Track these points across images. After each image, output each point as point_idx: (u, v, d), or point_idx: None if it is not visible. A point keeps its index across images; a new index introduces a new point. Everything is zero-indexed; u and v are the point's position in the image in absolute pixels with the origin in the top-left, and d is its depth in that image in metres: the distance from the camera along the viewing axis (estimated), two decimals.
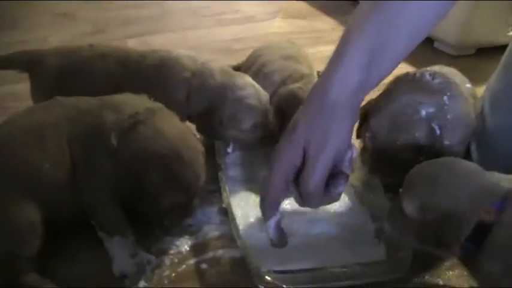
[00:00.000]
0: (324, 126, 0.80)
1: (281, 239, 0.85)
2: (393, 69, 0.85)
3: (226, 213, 0.97)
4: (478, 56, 1.69)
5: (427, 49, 1.73)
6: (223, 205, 0.99)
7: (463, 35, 1.68)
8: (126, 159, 0.90)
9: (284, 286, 0.81)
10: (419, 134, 0.96)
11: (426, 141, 0.97)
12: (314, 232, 0.95)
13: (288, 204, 0.99)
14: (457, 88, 1.01)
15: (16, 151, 0.88)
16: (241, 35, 1.85)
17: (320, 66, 1.41)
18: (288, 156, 0.81)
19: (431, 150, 0.95)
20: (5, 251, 0.84)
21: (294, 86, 1.13)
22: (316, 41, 1.79)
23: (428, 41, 1.76)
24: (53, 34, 1.85)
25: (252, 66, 1.25)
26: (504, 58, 1.07)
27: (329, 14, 2.05)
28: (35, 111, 0.96)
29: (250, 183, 1.06)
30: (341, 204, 1.00)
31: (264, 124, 1.08)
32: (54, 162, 0.89)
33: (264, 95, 1.09)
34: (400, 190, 0.83)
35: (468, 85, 1.08)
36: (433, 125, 0.96)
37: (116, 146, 0.90)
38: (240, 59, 1.43)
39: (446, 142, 0.97)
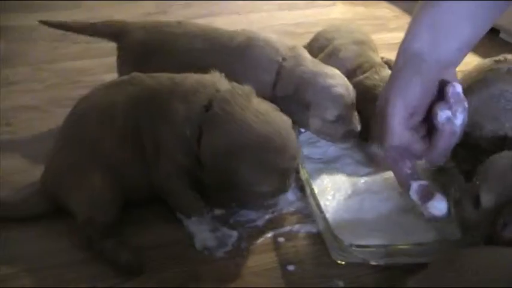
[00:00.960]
0: (388, 89, 0.83)
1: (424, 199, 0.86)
2: (463, 48, 0.84)
3: (302, 190, 0.99)
4: None
5: (493, 39, 1.71)
6: (300, 182, 0.99)
7: None
8: (208, 155, 0.88)
9: (370, 260, 0.85)
10: (509, 125, 0.96)
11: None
12: (387, 209, 0.96)
13: (363, 183, 1.01)
14: None
15: (91, 127, 0.91)
16: (302, 20, 1.85)
17: (383, 53, 1.42)
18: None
19: None
20: (85, 216, 0.88)
21: (360, 78, 1.13)
22: (379, 27, 1.78)
23: (494, 32, 1.73)
24: (117, 13, 1.88)
25: (323, 48, 1.25)
26: None
27: (392, 2, 2.04)
28: (109, 88, 0.96)
29: (324, 162, 1.07)
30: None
31: (349, 119, 1.06)
32: (123, 140, 0.90)
33: (353, 89, 1.08)
34: (475, 178, 0.83)
35: None
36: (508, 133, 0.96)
37: (190, 139, 0.89)
38: (302, 42, 1.44)
39: None
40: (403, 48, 0.84)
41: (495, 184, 0.80)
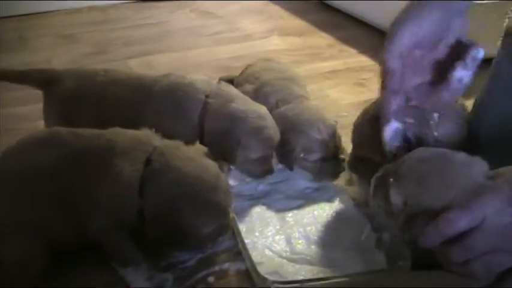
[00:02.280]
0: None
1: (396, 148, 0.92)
2: None
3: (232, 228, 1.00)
4: None
5: None
6: None
7: None
8: (150, 207, 0.91)
9: None
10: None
11: (397, 148, 1.00)
12: (315, 242, 0.99)
13: (291, 217, 1.04)
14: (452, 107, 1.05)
15: (12, 193, 0.92)
16: (239, 53, 1.89)
17: (318, 83, 1.47)
18: None
19: None
20: (11, 274, 0.89)
21: (283, 109, 1.18)
22: (313, 57, 1.82)
23: None
24: (57, 55, 1.90)
25: (251, 84, 1.30)
26: (490, 71, 1.11)
27: (325, 31, 2.09)
28: (28, 149, 0.95)
29: (253, 198, 1.10)
30: (341, 216, 1.05)
31: (270, 160, 1.10)
32: (49, 203, 0.91)
33: (278, 131, 1.11)
34: (391, 179, 0.85)
35: (460, 103, 1.11)
36: (408, 134, 0.98)
37: (134, 194, 0.91)
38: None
39: None
40: None
41: (406, 186, 0.82)
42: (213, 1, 2.43)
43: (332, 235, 1.00)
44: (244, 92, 1.21)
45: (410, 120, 0.98)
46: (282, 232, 1.00)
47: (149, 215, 0.91)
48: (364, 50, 1.84)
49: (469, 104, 1.14)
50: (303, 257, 0.95)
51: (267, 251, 0.96)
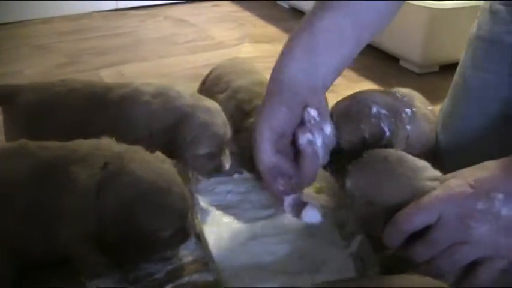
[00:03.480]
0: (257, 116, 0.92)
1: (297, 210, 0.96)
2: (340, 67, 0.94)
3: (199, 239, 1.00)
4: (441, 73, 1.74)
5: (393, 67, 1.79)
6: (197, 231, 1.01)
7: (425, 53, 1.73)
8: (109, 214, 0.90)
9: None
10: (364, 127, 1.01)
11: (371, 137, 1.01)
12: (284, 252, 0.98)
13: (260, 227, 1.04)
14: (422, 108, 1.07)
15: None
16: (212, 61, 1.88)
17: None
18: None
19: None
20: None
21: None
22: None
23: (394, 60, 1.81)
24: (29, 66, 1.89)
25: (222, 90, 1.28)
26: (455, 76, 1.12)
27: None
28: None
29: (222, 208, 1.09)
30: (311, 224, 1.04)
31: (219, 157, 1.10)
32: (20, 218, 0.90)
33: (229, 129, 1.11)
34: (350, 167, 0.90)
35: (430, 107, 1.12)
36: (383, 125, 1.00)
37: (92, 200, 0.91)
38: None
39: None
40: (275, 77, 0.92)
41: (362, 178, 0.88)
42: (185, 9, 2.44)
43: (301, 244, 1.00)
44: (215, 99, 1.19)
45: (384, 111, 1.00)
46: (251, 242, 1.00)
47: (105, 218, 0.91)
48: None
49: (438, 109, 1.16)
50: (272, 266, 0.95)
51: (236, 261, 0.95)
